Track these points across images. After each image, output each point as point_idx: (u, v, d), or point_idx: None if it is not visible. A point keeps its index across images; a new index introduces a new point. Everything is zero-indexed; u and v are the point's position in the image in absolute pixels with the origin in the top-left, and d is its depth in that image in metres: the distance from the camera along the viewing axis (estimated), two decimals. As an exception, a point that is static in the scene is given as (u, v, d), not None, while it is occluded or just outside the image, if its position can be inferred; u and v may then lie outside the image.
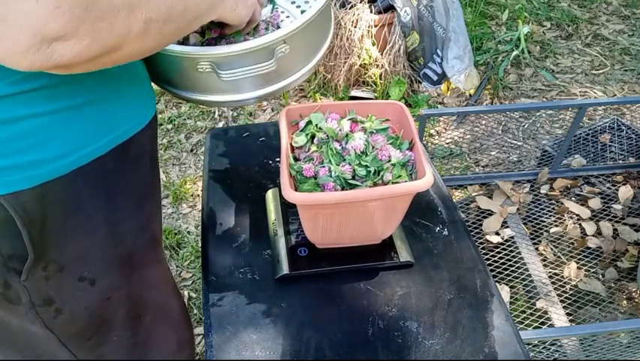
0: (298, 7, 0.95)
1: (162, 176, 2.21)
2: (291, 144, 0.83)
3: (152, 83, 0.79)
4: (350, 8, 2.45)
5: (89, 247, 0.73)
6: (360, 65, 2.51)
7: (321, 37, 0.82)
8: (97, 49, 0.52)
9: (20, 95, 0.59)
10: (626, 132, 1.95)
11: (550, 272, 1.58)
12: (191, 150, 2.35)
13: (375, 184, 0.76)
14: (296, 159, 0.82)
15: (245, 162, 1.07)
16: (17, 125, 0.60)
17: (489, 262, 1.58)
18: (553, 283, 1.54)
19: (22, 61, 0.49)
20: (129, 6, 0.54)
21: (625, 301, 1.53)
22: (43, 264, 0.69)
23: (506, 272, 1.56)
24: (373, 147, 0.79)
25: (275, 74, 0.75)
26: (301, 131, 0.83)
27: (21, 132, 0.60)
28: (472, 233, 1.51)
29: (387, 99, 2.45)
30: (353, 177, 0.77)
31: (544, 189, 1.81)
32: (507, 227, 1.68)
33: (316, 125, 0.82)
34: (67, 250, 0.71)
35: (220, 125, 2.48)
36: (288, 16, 0.94)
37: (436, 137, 2.39)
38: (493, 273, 1.55)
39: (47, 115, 0.62)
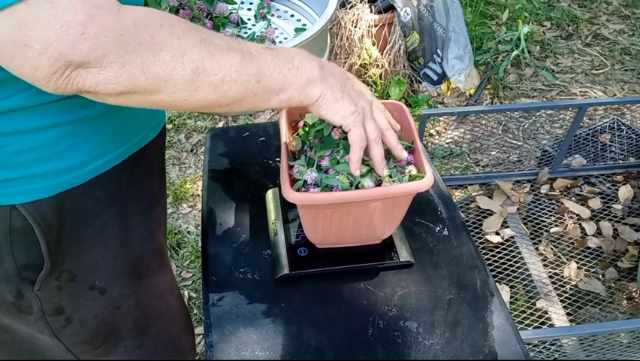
0: (288, 23, 0.98)
1: (162, 176, 2.22)
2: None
3: None
4: (350, 8, 2.45)
5: (101, 256, 0.73)
6: (360, 65, 2.51)
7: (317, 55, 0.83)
8: (125, 84, 0.49)
9: (41, 107, 0.59)
10: (626, 132, 1.95)
11: (550, 272, 1.58)
12: (191, 150, 2.35)
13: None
14: (296, 159, 0.81)
15: (245, 162, 1.07)
16: (38, 135, 0.60)
17: (489, 262, 1.58)
18: (553, 283, 1.54)
19: (45, 85, 0.48)
20: (179, 48, 0.50)
21: (625, 301, 1.53)
22: (56, 273, 0.69)
23: (506, 272, 1.56)
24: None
25: None
26: (297, 134, 0.83)
27: (42, 142, 0.61)
28: (472, 233, 1.51)
29: (387, 99, 2.45)
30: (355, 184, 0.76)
31: (544, 189, 1.81)
32: (507, 227, 1.68)
33: (313, 124, 0.81)
34: (81, 258, 0.71)
35: (220, 125, 2.48)
36: (282, 33, 0.95)
37: (436, 137, 2.39)
38: (493, 273, 1.55)
39: (67, 125, 0.62)
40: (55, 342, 0.76)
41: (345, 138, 0.76)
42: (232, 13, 0.94)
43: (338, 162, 0.75)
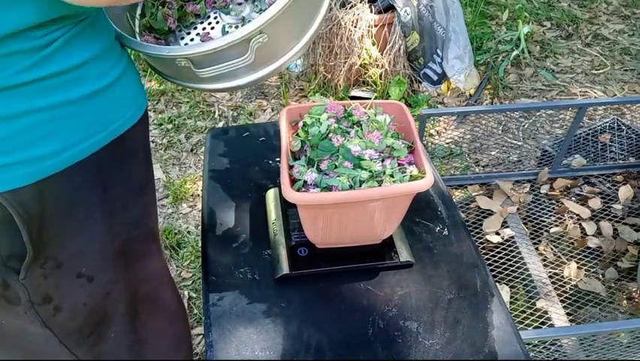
0: None
1: (162, 176, 2.21)
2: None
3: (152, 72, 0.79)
4: (350, 8, 2.45)
5: (86, 243, 0.73)
6: (360, 65, 2.51)
7: (307, 17, 0.75)
8: None
9: (21, 88, 0.59)
10: (626, 132, 1.95)
11: (550, 272, 1.58)
12: (191, 150, 2.35)
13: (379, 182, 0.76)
14: (296, 159, 0.82)
15: (245, 162, 1.07)
16: (18, 120, 0.60)
17: (489, 262, 1.58)
18: (553, 283, 1.54)
19: None
20: None
21: (625, 301, 1.53)
22: (41, 261, 0.69)
23: (506, 272, 1.56)
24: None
25: (255, 64, 0.72)
26: (296, 135, 0.83)
27: (21, 128, 0.61)
28: (472, 233, 1.51)
29: (387, 99, 2.45)
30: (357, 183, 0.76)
31: (544, 189, 1.81)
32: (507, 227, 1.68)
33: (310, 126, 0.81)
34: (65, 246, 0.71)
35: (220, 125, 2.48)
36: None
37: (436, 137, 2.39)
38: (493, 273, 1.55)
39: (47, 110, 0.62)
40: (46, 333, 0.76)
41: (344, 145, 0.77)
42: None
43: (336, 167, 0.75)
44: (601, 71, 2.81)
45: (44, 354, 0.80)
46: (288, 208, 0.91)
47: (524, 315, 1.46)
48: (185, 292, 1.78)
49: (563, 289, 1.54)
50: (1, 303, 0.72)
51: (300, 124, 0.83)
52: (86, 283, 0.76)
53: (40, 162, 0.63)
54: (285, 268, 0.82)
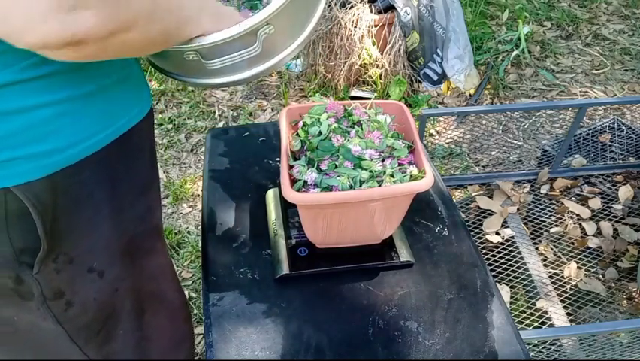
0: None
1: (162, 176, 2.21)
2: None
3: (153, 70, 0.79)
4: (350, 8, 2.45)
5: (96, 238, 0.74)
6: (360, 65, 2.51)
7: (309, 9, 0.77)
8: (112, 24, 0.50)
9: (32, 82, 0.59)
10: (626, 132, 1.95)
11: (550, 272, 1.58)
12: (191, 150, 2.35)
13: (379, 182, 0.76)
14: (296, 159, 0.82)
15: (245, 162, 1.07)
16: (27, 115, 0.61)
17: (489, 262, 1.58)
18: (553, 283, 1.54)
19: (35, 31, 0.47)
20: None
21: (625, 301, 1.53)
22: (53, 256, 0.70)
23: (506, 272, 1.56)
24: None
25: (261, 55, 0.73)
26: (296, 135, 0.83)
27: (34, 122, 0.61)
28: (472, 233, 1.51)
29: (387, 99, 2.45)
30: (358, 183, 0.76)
31: (544, 189, 1.81)
32: (507, 227, 1.68)
33: (310, 126, 0.81)
34: (76, 241, 0.72)
35: (220, 125, 2.48)
36: None
37: (436, 137, 2.39)
38: (493, 273, 1.55)
39: (55, 105, 0.63)
40: (58, 329, 0.76)
41: (344, 145, 0.77)
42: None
43: (336, 167, 0.75)
44: (601, 71, 2.81)
45: (55, 352, 0.80)
46: (288, 208, 0.91)
47: (524, 315, 1.46)
48: (185, 292, 1.78)
49: (563, 289, 1.54)
50: (14, 298, 0.72)
51: (300, 124, 0.83)
52: (96, 278, 0.76)
53: (50, 156, 0.64)
54: (285, 268, 0.82)
